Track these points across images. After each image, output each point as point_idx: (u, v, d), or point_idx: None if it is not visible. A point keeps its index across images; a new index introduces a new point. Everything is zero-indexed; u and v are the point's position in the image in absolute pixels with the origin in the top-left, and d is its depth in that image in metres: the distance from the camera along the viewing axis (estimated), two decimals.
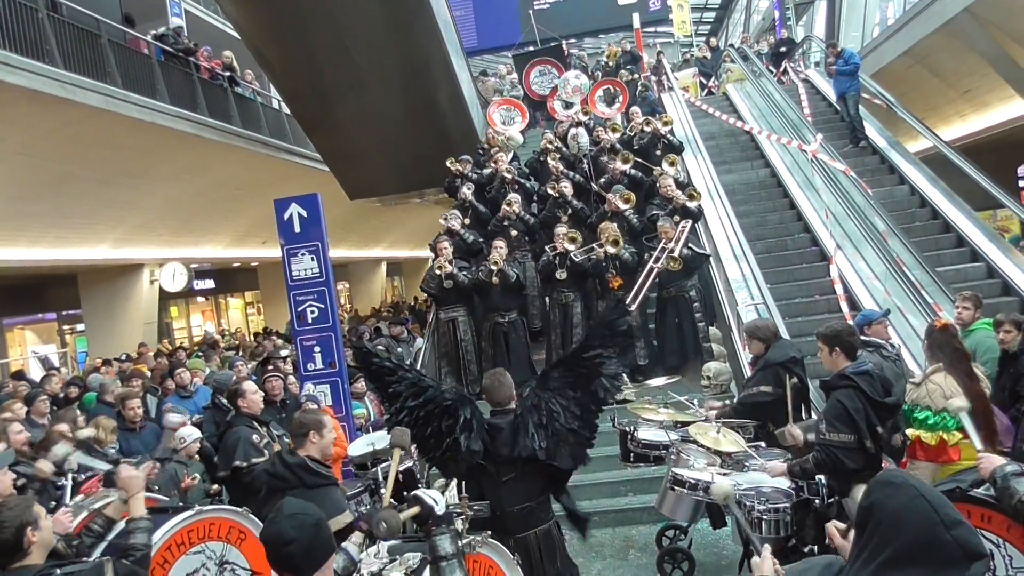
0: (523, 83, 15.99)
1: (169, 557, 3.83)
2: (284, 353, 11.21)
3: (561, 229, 8.89)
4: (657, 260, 8.38)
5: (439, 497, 3.10)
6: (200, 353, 13.25)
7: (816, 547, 4.31)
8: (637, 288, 8.42)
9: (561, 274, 8.79)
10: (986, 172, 10.46)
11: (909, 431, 4.46)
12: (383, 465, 5.76)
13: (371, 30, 11.75)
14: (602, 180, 10.17)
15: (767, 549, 2.36)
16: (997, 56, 14.24)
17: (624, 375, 4.33)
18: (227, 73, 15.62)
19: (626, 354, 4.74)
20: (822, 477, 4.37)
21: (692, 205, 9.05)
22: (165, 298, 19.18)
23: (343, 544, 3.29)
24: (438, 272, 8.91)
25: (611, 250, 8.49)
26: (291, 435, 4.20)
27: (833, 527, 2.44)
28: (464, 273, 8.91)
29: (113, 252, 15.42)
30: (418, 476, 6.02)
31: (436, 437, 4.03)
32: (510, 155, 11.26)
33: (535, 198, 10.42)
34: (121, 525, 3.55)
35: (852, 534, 2.26)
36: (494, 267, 8.65)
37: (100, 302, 16.83)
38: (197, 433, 6.26)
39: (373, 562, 3.48)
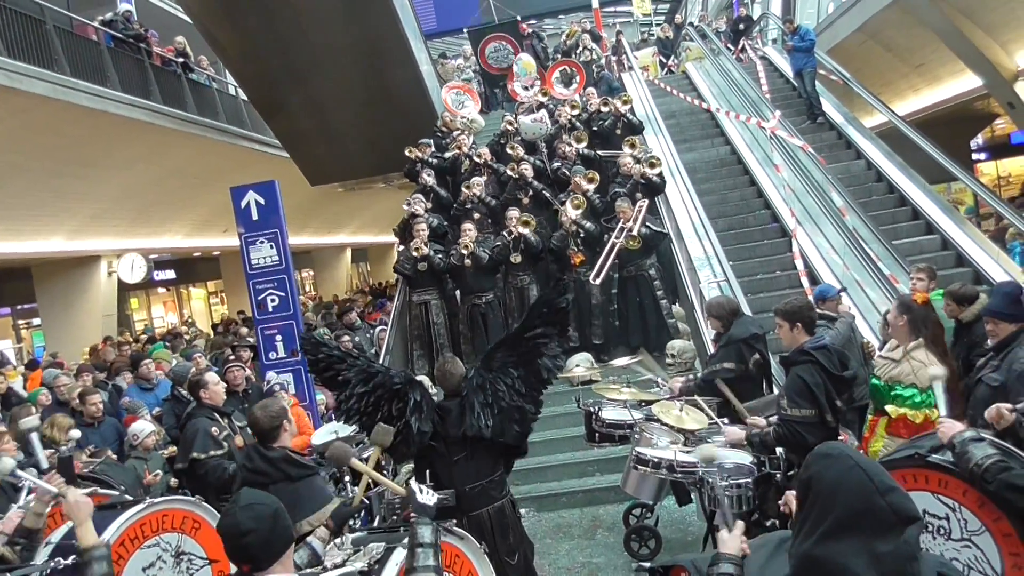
0: (478, 58, 15.94)
1: (123, 553, 3.73)
2: (252, 341, 11.09)
3: (513, 213, 8.90)
4: (618, 237, 8.42)
5: (428, 490, 3.13)
6: (166, 344, 13.08)
7: (778, 521, 4.36)
8: (600, 263, 8.45)
9: (515, 257, 8.82)
10: (940, 146, 10.61)
11: (890, 408, 4.47)
12: None
13: (327, 12, 11.60)
14: (556, 164, 10.16)
15: (739, 527, 2.37)
16: (947, 30, 14.43)
17: (562, 355, 4.43)
18: (180, 59, 15.30)
19: (565, 333, 4.87)
20: (782, 451, 4.42)
21: (653, 172, 9.09)
22: (124, 289, 18.83)
23: (308, 539, 3.28)
24: (415, 254, 8.86)
25: (573, 214, 8.52)
26: (259, 431, 4.07)
27: (791, 497, 2.47)
28: (439, 256, 8.88)
29: (68, 244, 15.09)
30: (383, 463, 5.99)
31: (387, 421, 4.08)
32: (471, 138, 11.20)
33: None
34: (58, 535, 3.44)
35: None
36: (464, 251, 8.64)
37: (56, 295, 16.47)
38: (151, 427, 6.18)
39: (337, 553, 3.46)
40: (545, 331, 4.15)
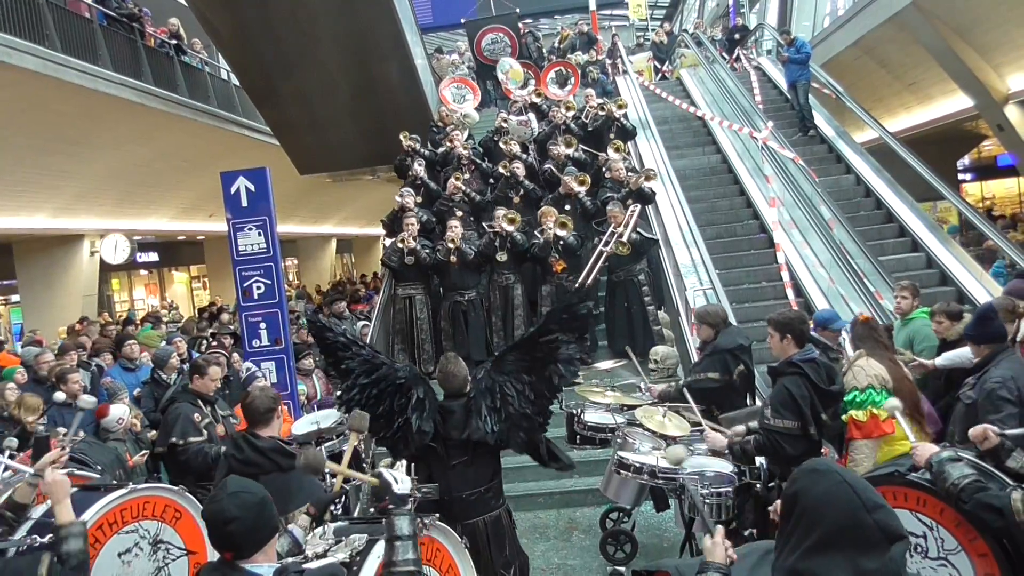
0: (474, 50, 15.91)
1: (100, 536, 3.69)
2: (233, 328, 11.02)
3: (500, 211, 8.87)
4: (607, 244, 8.42)
5: (403, 478, 3.07)
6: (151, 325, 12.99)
7: (755, 531, 4.38)
8: (587, 271, 8.44)
9: (501, 256, 8.80)
10: (928, 164, 10.70)
11: (844, 417, 4.53)
12: (327, 444, 5.71)
13: (324, 3, 11.52)
14: (547, 166, 10.15)
15: (720, 532, 2.36)
16: (941, 50, 14.56)
17: (579, 361, 4.25)
18: (173, 41, 15.16)
19: (583, 339, 4.68)
20: (763, 462, 4.44)
21: (648, 185, 9.13)
22: (106, 270, 18.67)
23: (289, 527, 3.26)
24: (401, 246, 8.83)
25: (560, 232, 8.53)
26: (253, 412, 4.09)
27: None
28: (426, 251, 8.85)
29: (51, 222, 14.92)
30: (363, 456, 5.98)
31: (387, 416, 3.96)
32: (466, 133, 11.17)
33: (490, 179, 10.37)
34: (39, 511, 3.41)
35: None
36: (451, 245, 8.61)
37: (37, 273, 16.30)
38: (126, 408, 6.13)
39: (318, 543, 3.44)
40: (561, 336, 3.95)
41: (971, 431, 3.32)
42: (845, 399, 4.49)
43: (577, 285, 8.38)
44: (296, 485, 3.90)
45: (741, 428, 4.63)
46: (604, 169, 9.72)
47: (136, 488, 3.92)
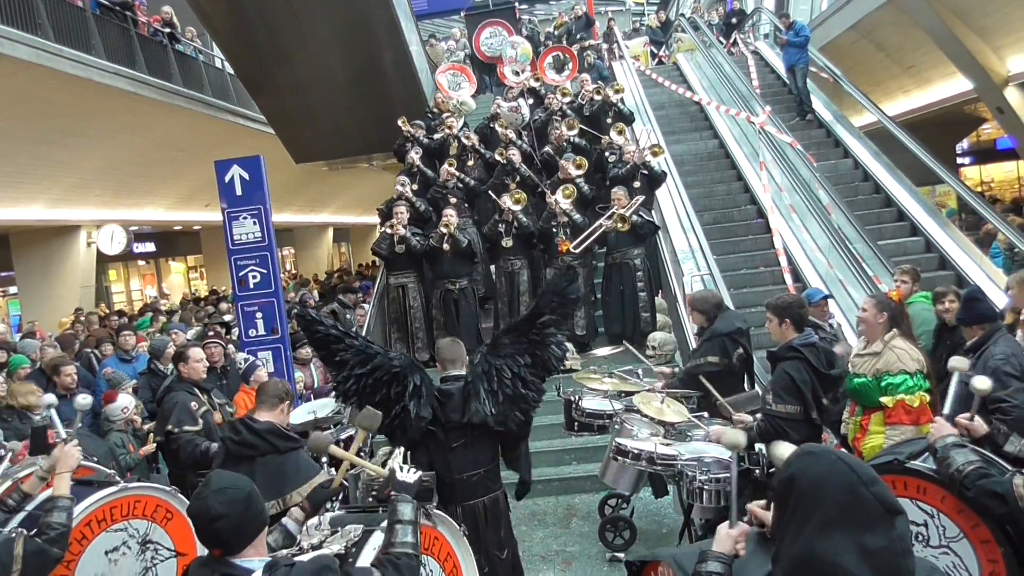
0: (473, 44, 15.81)
1: (88, 533, 3.65)
2: (228, 318, 10.99)
3: (505, 196, 8.82)
4: (609, 218, 8.38)
5: (409, 469, 3.09)
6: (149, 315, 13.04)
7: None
8: (582, 238, 8.39)
9: (507, 242, 8.75)
10: (926, 148, 10.64)
11: (885, 399, 4.50)
12: (324, 434, 5.68)
13: None
14: (546, 148, 10.09)
15: (740, 528, 2.28)
16: (940, 32, 14.45)
17: (566, 342, 4.33)
18: (167, 29, 15.06)
19: (567, 319, 4.75)
20: (763, 447, 4.42)
21: (654, 161, 9.07)
22: (103, 261, 18.64)
23: (282, 520, 3.24)
24: (390, 233, 8.78)
25: (564, 204, 8.48)
26: (261, 396, 4.13)
27: (755, 507, 2.41)
28: (417, 239, 8.80)
29: (47, 213, 14.89)
30: (363, 449, 5.95)
31: (384, 405, 3.95)
32: (461, 121, 11.11)
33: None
34: (39, 499, 3.42)
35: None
36: (444, 230, 8.56)
37: (34, 264, 16.30)
38: (132, 400, 6.10)
39: (314, 534, 3.41)
40: (554, 319, 4.07)
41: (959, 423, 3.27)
42: (891, 381, 4.45)
43: (572, 246, 8.35)
44: (292, 466, 3.92)
45: (748, 418, 4.62)
46: (608, 153, 9.65)
47: (127, 487, 3.87)
